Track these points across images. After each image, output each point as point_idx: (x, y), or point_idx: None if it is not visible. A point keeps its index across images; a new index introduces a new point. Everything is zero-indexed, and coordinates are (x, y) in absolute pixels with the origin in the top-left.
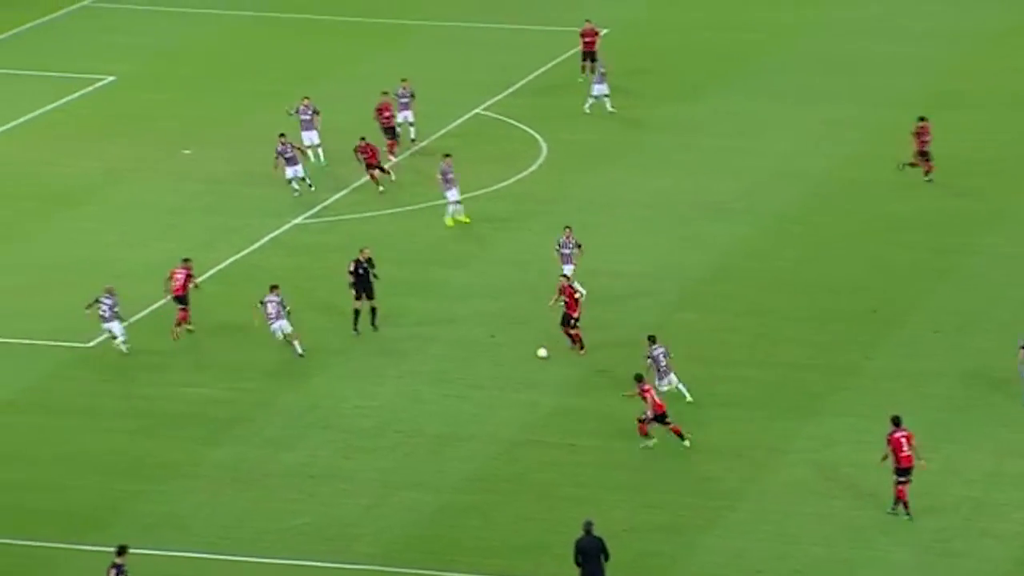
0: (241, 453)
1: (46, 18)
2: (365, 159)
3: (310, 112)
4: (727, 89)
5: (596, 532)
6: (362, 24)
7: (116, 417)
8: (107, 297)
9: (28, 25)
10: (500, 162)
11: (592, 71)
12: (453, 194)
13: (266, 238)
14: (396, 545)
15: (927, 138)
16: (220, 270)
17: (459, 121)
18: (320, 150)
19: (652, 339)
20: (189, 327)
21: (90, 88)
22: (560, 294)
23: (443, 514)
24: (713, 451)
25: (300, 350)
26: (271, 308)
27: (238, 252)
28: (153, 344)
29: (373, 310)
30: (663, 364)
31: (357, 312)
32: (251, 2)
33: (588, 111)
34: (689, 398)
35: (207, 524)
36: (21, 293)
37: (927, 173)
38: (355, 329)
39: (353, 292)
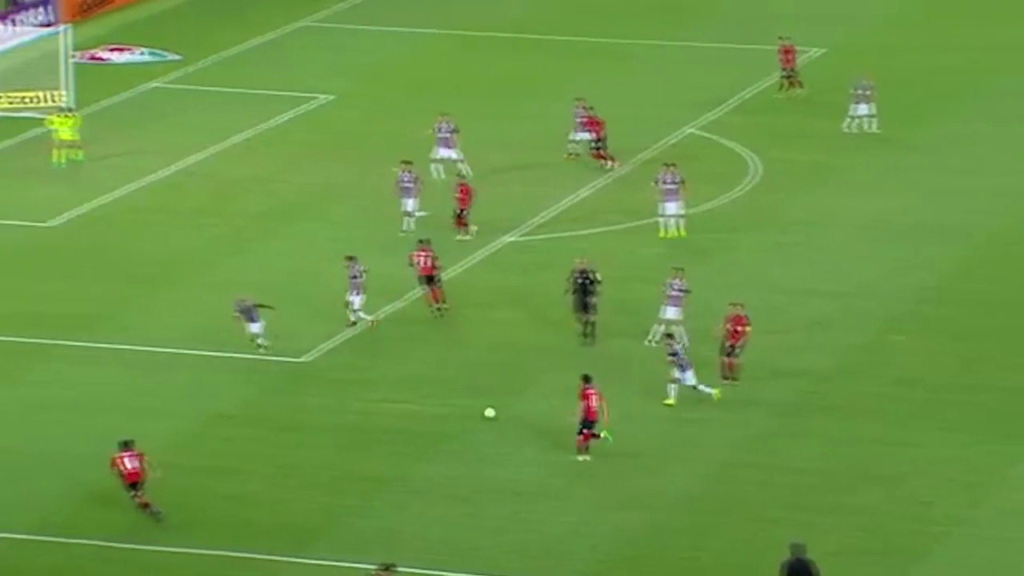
0: (451, 469)
1: (266, 37)
2: (457, 199)
3: (449, 130)
4: (943, 110)
5: (806, 555)
6: (572, 43)
7: (329, 432)
8: (240, 303)
9: (249, 44)
10: (711, 181)
11: (788, 86)
12: (670, 207)
13: (479, 256)
14: (606, 564)
15: None
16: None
17: (671, 139)
18: (464, 165)
19: (670, 336)
20: (444, 306)
21: (308, 106)
22: (726, 323)
23: (654, 534)
24: (929, 475)
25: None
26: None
27: (451, 270)
28: (365, 360)
29: (592, 325)
30: (684, 359)
31: (581, 322)
32: (467, 21)
33: (851, 129)
34: (716, 393)
35: (418, 539)
36: None
37: None
38: (585, 337)
39: (572, 302)
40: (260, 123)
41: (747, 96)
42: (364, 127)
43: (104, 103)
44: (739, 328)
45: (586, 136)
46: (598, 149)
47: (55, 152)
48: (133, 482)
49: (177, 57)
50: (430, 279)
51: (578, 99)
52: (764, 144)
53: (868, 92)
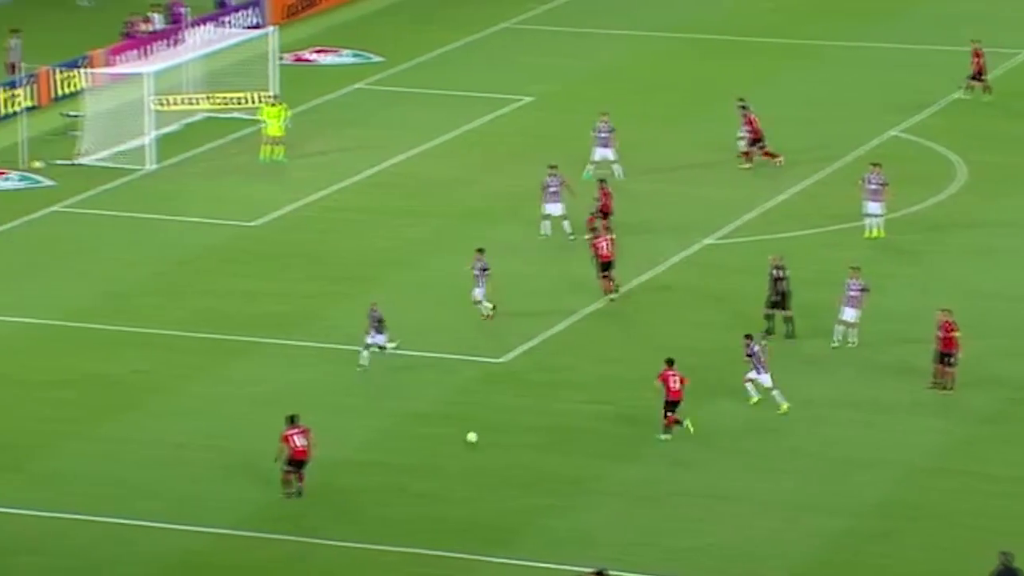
0: (648, 471)
1: (469, 38)
2: (599, 204)
3: (607, 130)
4: None
5: (1015, 564)
6: (775, 44)
7: (526, 431)
8: (374, 311)
9: (451, 45)
10: (916, 184)
11: (982, 90)
12: (873, 207)
13: (676, 257)
14: (802, 569)
15: None
16: (630, 288)
17: (875, 142)
18: (617, 166)
19: (749, 336)
20: (615, 295)
21: (509, 108)
22: (937, 328)
23: (849, 539)
24: None
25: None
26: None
27: (647, 271)
28: (563, 360)
29: (788, 320)
30: (762, 360)
31: (768, 318)
32: (667, 23)
33: None
34: (784, 407)
35: (614, 541)
36: (440, 308)
37: None
38: (768, 333)
39: (767, 298)
40: (461, 124)
41: (952, 99)
42: (564, 129)
43: (309, 104)
44: (951, 335)
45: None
46: (754, 147)
47: (263, 148)
48: (299, 460)
49: (380, 59)
50: (608, 265)
51: (740, 99)
52: (969, 147)
53: None
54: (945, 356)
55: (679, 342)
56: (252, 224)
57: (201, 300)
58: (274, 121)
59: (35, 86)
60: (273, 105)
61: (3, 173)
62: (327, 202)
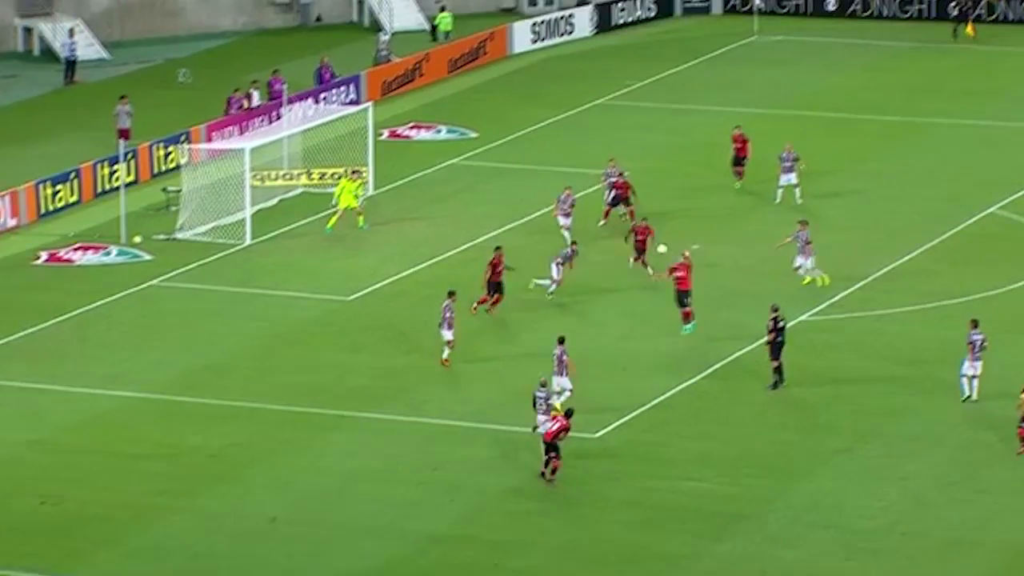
0: (741, 549)
1: (563, 115)
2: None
3: (616, 175)
4: None
5: None
6: (872, 122)
7: (619, 508)
8: (540, 390)
9: (546, 121)
10: (1011, 263)
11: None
12: (799, 260)
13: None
14: None
15: None
16: (725, 364)
17: (970, 221)
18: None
19: (975, 322)
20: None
21: (601, 184)
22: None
23: None
24: None
25: None
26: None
27: (741, 347)
28: (655, 437)
29: (776, 370)
30: (977, 350)
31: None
32: (759, 99)
33: None
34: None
35: None
36: (531, 384)
37: None
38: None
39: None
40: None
41: None
42: (654, 203)
43: (405, 180)
44: None
45: (612, 195)
46: (615, 207)
47: (331, 219)
48: (547, 442)
49: (475, 134)
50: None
51: (611, 160)
52: None
53: None
54: None
55: (774, 419)
56: (347, 298)
57: (296, 374)
58: (348, 194)
59: (135, 161)
60: (351, 180)
61: (103, 248)
62: (421, 276)
